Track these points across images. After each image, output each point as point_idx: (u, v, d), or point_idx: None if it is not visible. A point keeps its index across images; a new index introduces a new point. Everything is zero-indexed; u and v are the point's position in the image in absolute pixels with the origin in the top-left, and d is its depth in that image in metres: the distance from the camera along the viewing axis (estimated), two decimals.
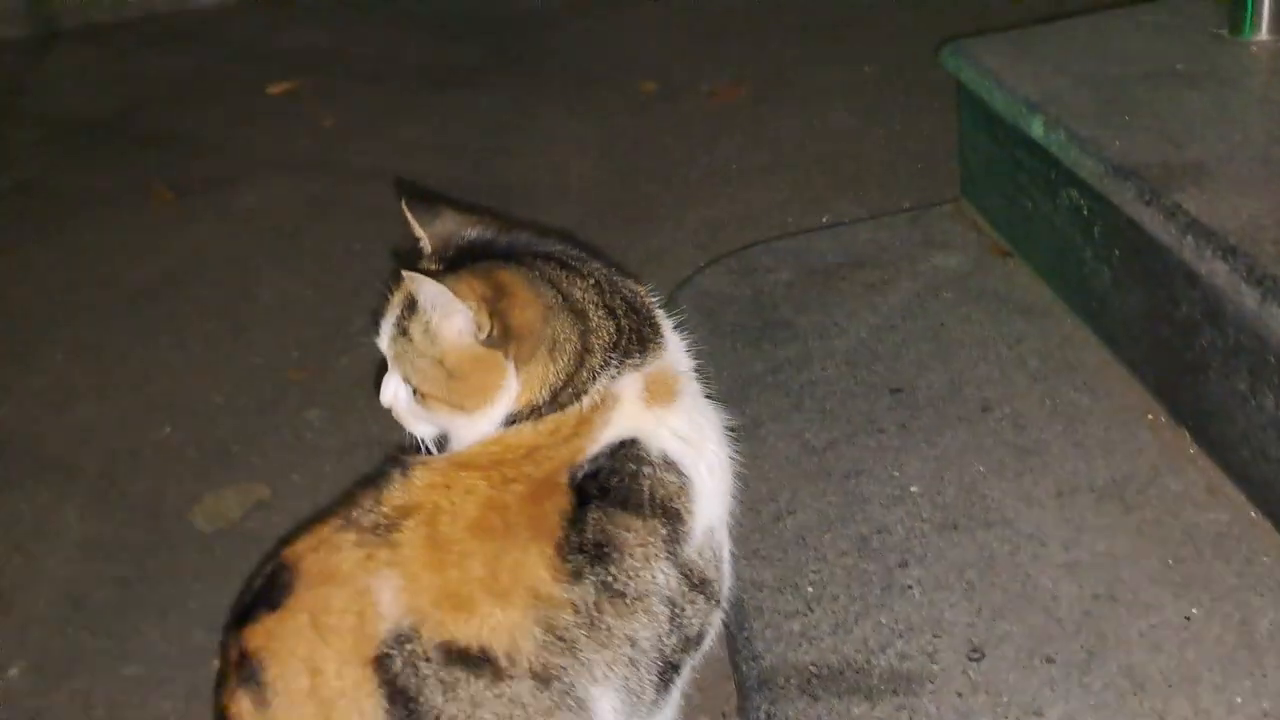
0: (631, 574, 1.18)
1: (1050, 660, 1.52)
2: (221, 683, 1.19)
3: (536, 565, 1.15)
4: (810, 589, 1.69)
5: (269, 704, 1.14)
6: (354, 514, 1.20)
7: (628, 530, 1.19)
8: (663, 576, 1.20)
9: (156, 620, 2.03)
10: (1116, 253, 1.93)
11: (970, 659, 1.54)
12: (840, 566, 1.71)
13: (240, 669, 1.16)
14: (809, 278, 2.37)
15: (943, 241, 2.42)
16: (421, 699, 1.12)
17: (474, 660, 1.13)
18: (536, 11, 4.44)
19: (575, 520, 1.17)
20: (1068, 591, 1.61)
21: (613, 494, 1.19)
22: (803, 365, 2.12)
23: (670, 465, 1.22)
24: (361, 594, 1.14)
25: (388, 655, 1.12)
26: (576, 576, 1.16)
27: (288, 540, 1.25)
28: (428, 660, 1.12)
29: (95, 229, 3.32)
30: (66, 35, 4.75)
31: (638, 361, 1.25)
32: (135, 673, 1.94)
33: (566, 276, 1.28)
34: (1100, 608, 1.58)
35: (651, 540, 1.19)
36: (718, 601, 1.27)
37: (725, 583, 1.29)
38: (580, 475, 1.20)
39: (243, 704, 1.15)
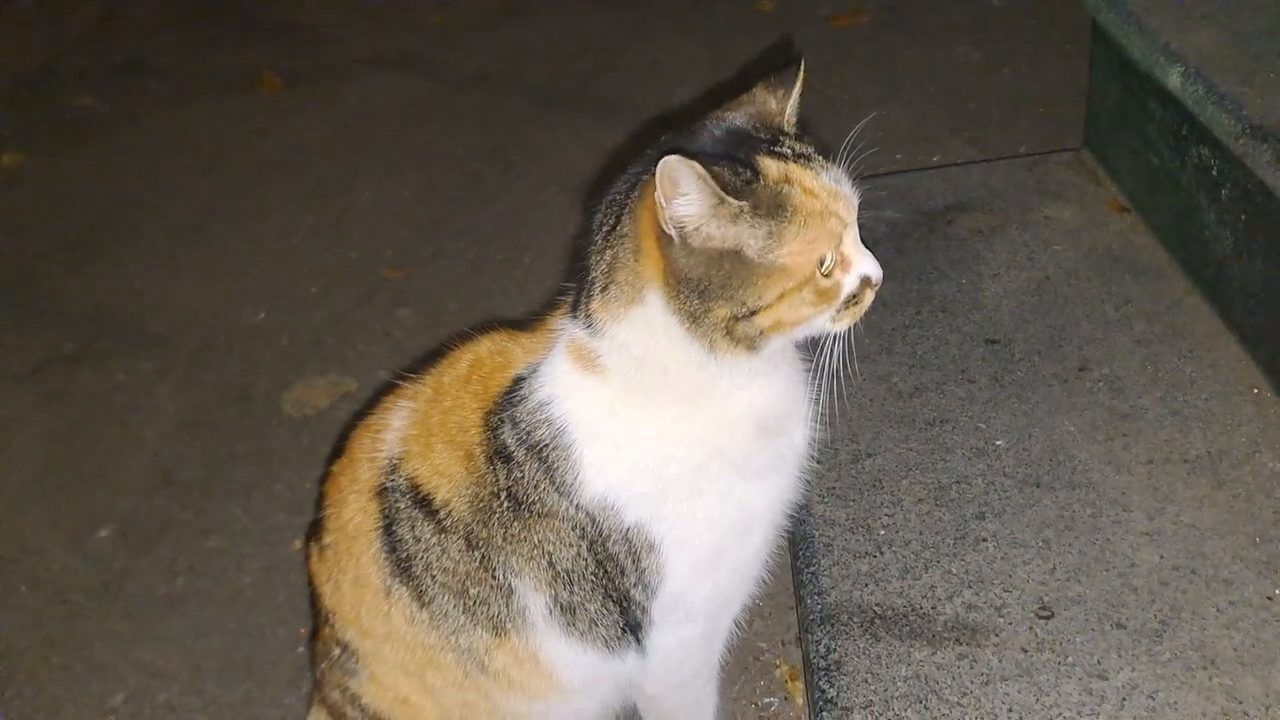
0: (522, 485, 1.21)
1: (1121, 626, 1.49)
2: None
3: (473, 429, 1.25)
4: (882, 532, 1.67)
5: (323, 543, 1.36)
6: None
7: (513, 451, 1.22)
8: (563, 505, 1.21)
9: (241, 498, 2.09)
10: (1242, 218, 1.84)
11: (1039, 616, 1.52)
12: (915, 513, 1.69)
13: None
14: (914, 218, 2.31)
15: (1058, 192, 2.33)
16: (396, 530, 1.27)
17: (423, 502, 1.26)
18: None
19: (494, 411, 1.24)
20: (1146, 559, 1.57)
21: (505, 408, 1.23)
22: (898, 308, 2.07)
23: (547, 420, 1.21)
24: (383, 429, 1.31)
25: (386, 487, 1.28)
26: (489, 460, 1.23)
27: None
28: (401, 493, 1.27)
29: (204, 112, 3.38)
30: None
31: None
32: (217, 545, 2.01)
33: None
34: (1178, 579, 1.54)
35: (532, 469, 1.21)
36: (650, 593, 1.25)
37: (670, 586, 1.24)
38: (519, 374, 1.25)
39: (312, 547, 1.40)
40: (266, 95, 3.44)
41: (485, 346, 1.31)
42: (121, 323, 2.59)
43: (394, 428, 1.31)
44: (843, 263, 1.12)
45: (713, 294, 1.09)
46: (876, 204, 2.37)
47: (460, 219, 2.79)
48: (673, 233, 1.07)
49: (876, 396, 1.90)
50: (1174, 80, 1.91)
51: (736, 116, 1.18)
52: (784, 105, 1.18)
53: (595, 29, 3.60)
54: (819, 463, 1.76)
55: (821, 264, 1.09)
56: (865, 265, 1.13)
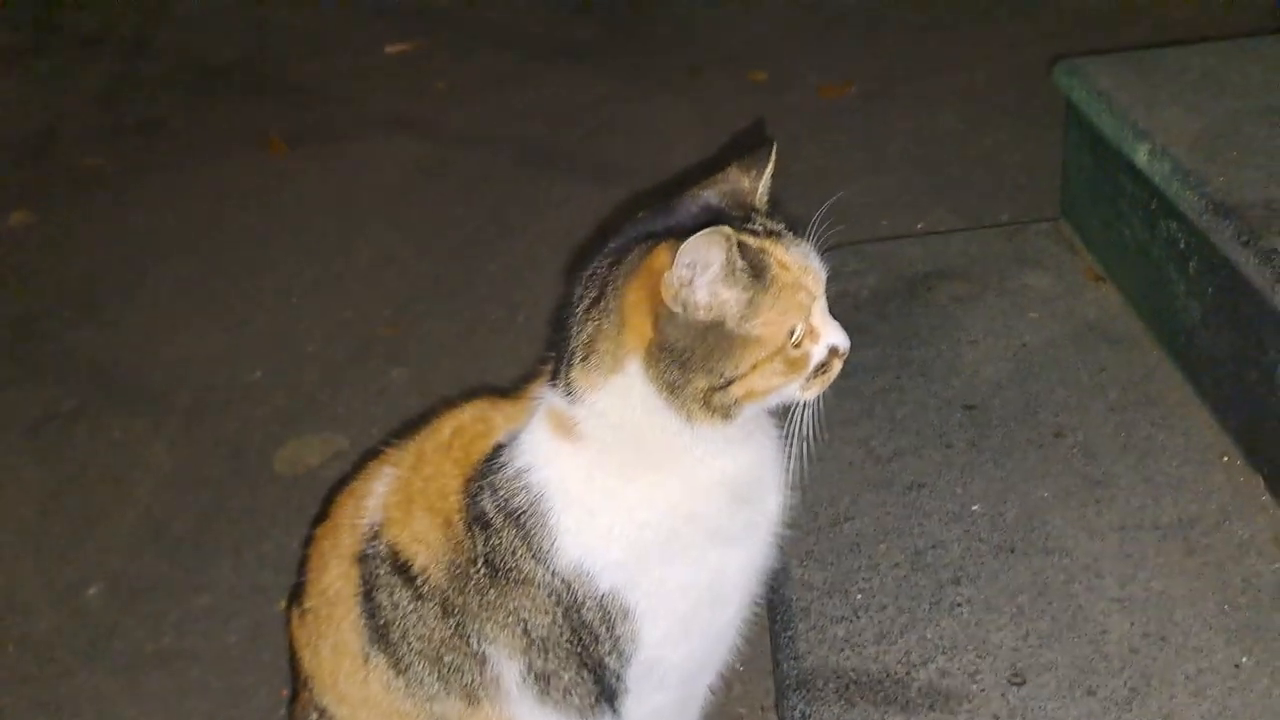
0: (499, 552, 1.24)
1: (1091, 693, 1.52)
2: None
3: (453, 495, 1.28)
4: (859, 596, 1.70)
5: (304, 607, 1.39)
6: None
7: (491, 518, 1.25)
8: (539, 572, 1.23)
9: (230, 556, 2.12)
10: (1209, 290, 1.89)
11: (1011, 683, 1.54)
12: (892, 577, 1.72)
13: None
14: (894, 284, 2.36)
15: (1036, 260, 2.39)
16: (376, 597, 1.30)
17: (402, 568, 1.29)
18: None
19: (474, 478, 1.27)
20: (1118, 626, 1.60)
21: (484, 475, 1.27)
22: (877, 372, 2.12)
23: (525, 487, 1.24)
24: (365, 495, 1.35)
25: (366, 553, 1.31)
26: (467, 527, 1.26)
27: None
28: (380, 559, 1.30)
29: (210, 171, 3.45)
30: None
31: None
32: (205, 603, 2.04)
33: None
34: (1149, 646, 1.57)
35: (510, 536, 1.24)
36: (625, 660, 1.27)
37: (644, 653, 1.27)
38: (499, 442, 1.28)
39: (294, 611, 1.42)
40: (272, 156, 3.52)
41: (468, 414, 1.35)
42: (120, 379, 2.63)
43: (376, 493, 1.35)
44: (811, 333, 1.17)
45: (694, 365, 1.13)
46: (859, 271, 2.43)
47: (456, 278, 2.84)
48: (678, 308, 1.11)
49: (856, 460, 1.93)
50: (1141, 157, 1.97)
51: (710, 195, 1.24)
52: (756, 184, 1.24)
53: (593, 94, 3.68)
54: (798, 526, 1.81)
55: (792, 334, 1.14)
56: (833, 336, 1.18)
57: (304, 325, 2.73)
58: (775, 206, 1.27)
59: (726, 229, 1.07)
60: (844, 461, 1.94)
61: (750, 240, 1.14)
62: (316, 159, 3.48)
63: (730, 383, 1.14)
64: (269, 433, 2.40)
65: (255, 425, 2.43)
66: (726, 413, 1.16)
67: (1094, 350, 2.11)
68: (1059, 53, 2.41)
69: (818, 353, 1.17)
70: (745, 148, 1.28)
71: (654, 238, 1.15)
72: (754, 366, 1.14)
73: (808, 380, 1.19)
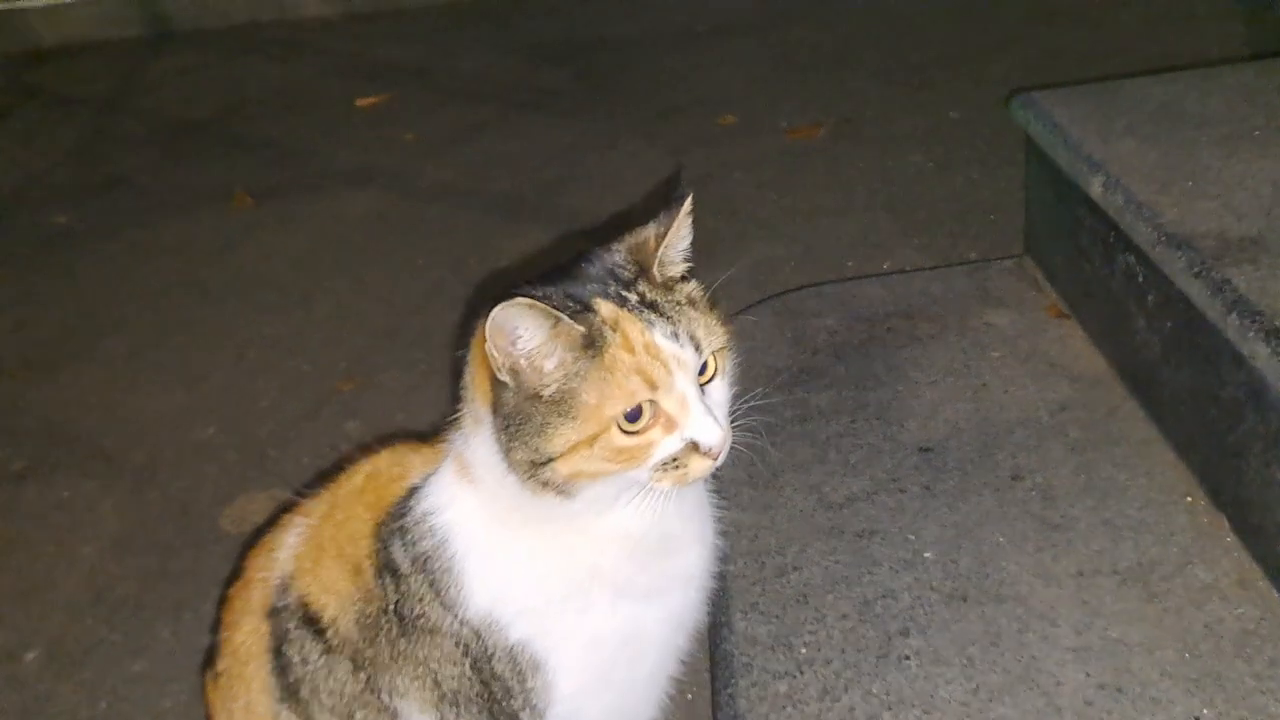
0: (408, 599, 1.19)
1: None
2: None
3: (363, 540, 1.22)
4: (804, 650, 1.63)
5: (217, 669, 1.33)
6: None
7: (400, 563, 1.20)
8: (447, 621, 1.18)
9: (170, 619, 2.06)
10: (1168, 325, 1.83)
11: None
12: (839, 629, 1.65)
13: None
14: (854, 325, 2.30)
15: (999, 298, 2.33)
16: (286, 652, 1.24)
17: (312, 620, 1.23)
18: (628, 40, 4.45)
19: (385, 522, 1.22)
20: (1072, 678, 1.52)
21: (395, 519, 1.22)
22: (832, 415, 2.06)
23: (431, 530, 1.19)
24: (277, 547, 1.29)
25: (276, 607, 1.25)
26: (377, 574, 1.21)
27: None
28: (290, 612, 1.24)
29: (176, 228, 3.43)
30: (176, 38, 4.95)
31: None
32: (142, 669, 1.97)
33: None
34: (1104, 698, 1.49)
35: (418, 582, 1.19)
36: (538, 714, 1.21)
37: (558, 707, 1.20)
38: (414, 485, 1.23)
39: (208, 676, 1.37)
40: (238, 211, 3.49)
41: (385, 458, 1.30)
42: (72, 439, 2.58)
43: (288, 545, 1.29)
44: (667, 423, 1.06)
45: (514, 434, 1.06)
46: (818, 313, 2.37)
47: (416, 329, 2.80)
48: (506, 378, 1.05)
49: (806, 508, 1.87)
50: (1096, 189, 1.93)
51: (616, 252, 1.14)
52: (659, 243, 1.13)
53: (562, 141, 3.66)
54: (743, 577, 1.75)
55: (628, 420, 1.04)
56: (695, 430, 1.06)
57: (260, 381, 2.68)
58: (701, 257, 1.19)
59: (524, 300, 0.99)
60: (794, 509, 1.88)
61: (605, 308, 1.06)
62: (281, 213, 3.45)
63: (549, 460, 1.05)
64: (218, 490, 2.35)
65: (205, 483, 2.38)
66: (560, 489, 1.08)
67: (1055, 389, 2.05)
68: (1031, 88, 2.38)
69: (668, 445, 1.06)
70: (666, 199, 1.17)
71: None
72: (571, 447, 1.04)
73: (654, 472, 1.07)
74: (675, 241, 1.14)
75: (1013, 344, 2.18)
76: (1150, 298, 1.87)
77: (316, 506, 1.31)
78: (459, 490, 1.18)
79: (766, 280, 2.69)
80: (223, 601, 1.39)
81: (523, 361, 1.04)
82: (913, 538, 1.79)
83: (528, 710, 1.20)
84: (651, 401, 1.04)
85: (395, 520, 1.21)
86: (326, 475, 1.36)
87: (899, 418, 2.04)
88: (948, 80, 3.67)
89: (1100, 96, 2.20)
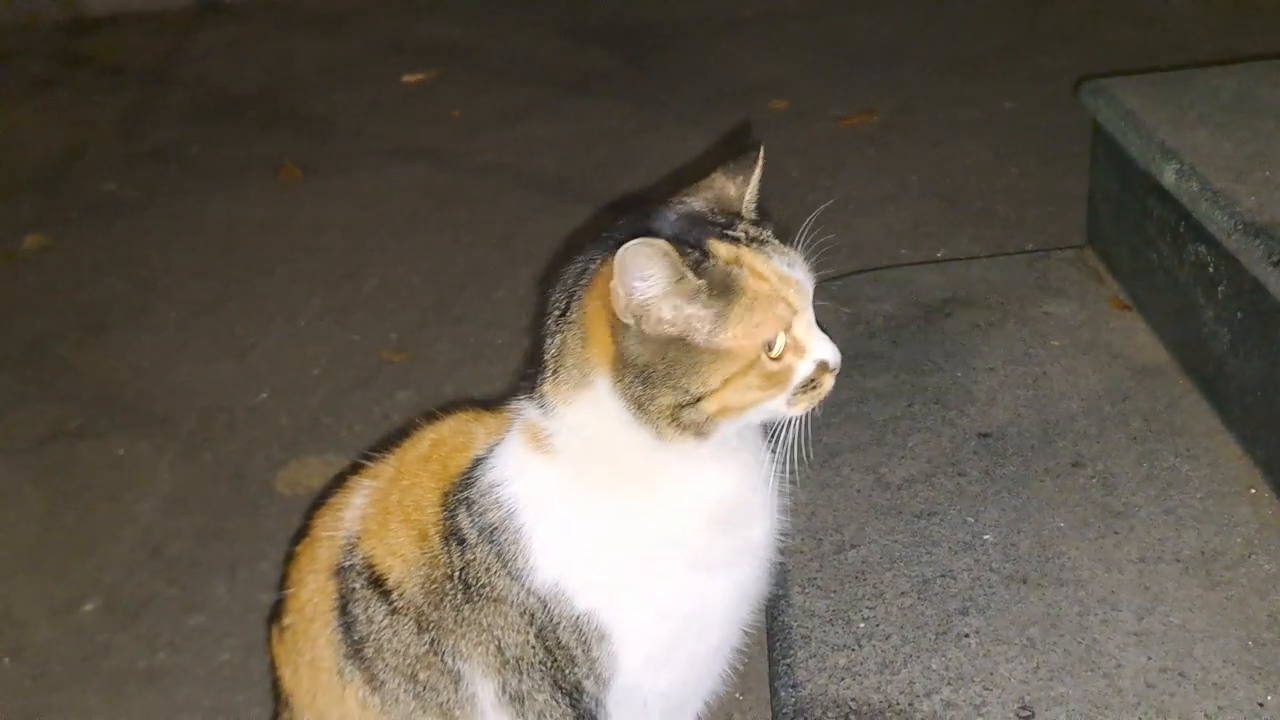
0: (474, 568, 1.20)
1: None
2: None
3: (430, 508, 1.23)
4: (862, 624, 1.63)
5: (283, 624, 1.33)
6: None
7: (466, 533, 1.20)
8: (514, 590, 1.18)
9: (226, 576, 2.08)
10: (1239, 315, 1.82)
11: (1019, 717, 1.46)
12: (897, 606, 1.65)
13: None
14: (911, 310, 2.30)
15: (1059, 288, 2.32)
16: (351, 611, 1.25)
17: (377, 582, 1.23)
18: (676, 23, 4.44)
19: (451, 492, 1.22)
20: (1134, 661, 1.52)
21: (461, 489, 1.22)
22: (890, 399, 2.06)
23: (498, 502, 1.19)
24: (344, 508, 1.29)
25: (343, 567, 1.26)
26: (444, 541, 1.21)
27: None
28: (356, 573, 1.25)
29: (224, 199, 3.45)
30: (223, 10, 4.97)
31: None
32: (198, 622, 1.99)
33: None
34: (1166, 682, 1.49)
35: (484, 552, 1.19)
36: (603, 684, 1.22)
37: (623, 679, 1.21)
38: (478, 455, 1.23)
39: (274, 630, 1.36)
40: (285, 183, 3.51)
41: (449, 426, 1.31)
42: (126, 401, 2.60)
43: (354, 506, 1.30)
44: (796, 347, 1.11)
45: (657, 380, 1.08)
46: (875, 297, 2.37)
47: (463, 304, 2.81)
48: (629, 320, 1.07)
49: (864, 487, 1.87)
50: (1169, 178, 1.91)
51: (695, 201, 1.19)
52: (743, 191, 1.19)
53: (610, 124, 3.66)
54: (800, 552, 1.75)
55: (770, 348, 1.08)
56: (821, 350, 1.12)
57: (311, 350, 2.70)
58: (763, 215, 1.22)
59: (657, 240, 1.02)
60: (851, 489, 1.88)
61: (722, 248, 1.09)
62: (328, 187, 3.47)
63: (700, 399, 1.09)
64: (271, 454, 2.37)
65: (258, 447, 2.40)
66: (699, 430, 1.11)
67: (1117, 379, 2.04)
68: (1089, 78, 2.36)
69: (803, 368, 1.12)
70: (733, 154, 1.23)
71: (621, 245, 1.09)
72: (725, 381, 1.08)
73: (793, 396, 1.13)
74: (755, 188, 1.19)
75: (1074, 334, 2.17)
76: (1221, 288, 1.86)
77: (382, 470, 1.32)
78: (529, 461, 1.19)
79: (819, 264, 2.68)
80: (289, 558, 1.40)
81: (663, 308, 1.05)
82: (972, 520, 1.78)
83: (592, 680, 1.21)
84: (787, 328, 1.08)
85: (461, 490, 1.22)
86: (388, 441, 1.38)
87: (958, 403, 2.03)
88: (1003, 71, 3.65)
89: (1172, 85, 2.18)
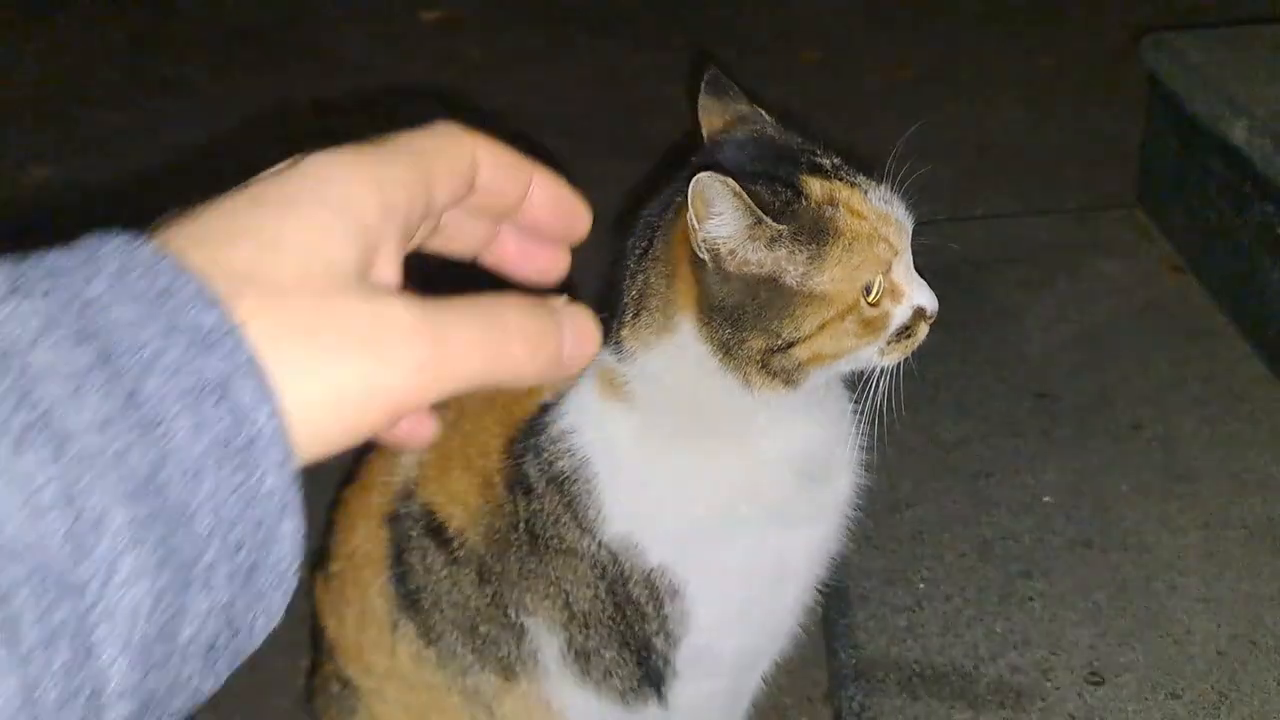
0: (541, 519, 1.13)
1: (1175, 696, 1.40)
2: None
3: (494, 455, 1.16)
4: (922, 585, 1.58)
5: (329, 571, 1.26)
6: None
7: (534, 482, 1.14)
8: (584, 542, 1.12)
9: None
10: None
11: (1089, 682, 1.42)
12: (958, 567, 1.60)
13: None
14: (958, 267, 2.23)
15: (1109, 247, 2.26)
16: (406, 559, 1.18)
17: (436, 530, 1.17)
18: None
19: (517, 438, 1.15)
20: (1203, 628, 1.48)
21: (529, 436, 1.15)
22: (942, 357, 2.00)
23: (570, 450, 1.12)
24: (400, 454, 1.21)
25: (398, 513, 1.19)
26: (508, 490, 1.14)
27: None
28: (413, 520, 1.18)
29: (233, 134, 3.34)
30: None
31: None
32: None
33: None
34: (1237, 649, 1.45)
35: (553, 502, 1.13)
36: (673, 642, 1.15)
37: (694, 637, 1.15)
38: (545, 401, 1.16)
39: (317, 576, 1.29)
40: (293, 118, 3.41)
41: None
42: None
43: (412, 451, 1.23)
44: (893, 292, 1.03)
45: (747, 324, 1.00)
46: (916, 251, 2.30)
47: None
48: (705, 256, 0.99)
49: (918, 446, 1.81)
50: (1239, 134, 1.85)
51: (767, 130, 1.10)
52: (751, 108, 1.10)
53: (635, 70, 3.57)
54: (858, 509, 1.69)
55: (868, 292, 1.01)
56: (919, 296, 1.05)
57: None
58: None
59: (726, 179, 0.93)
60: (904, 447, 1.81)
61: (815, 185, 1.01)
62: (341, 123, 3.37)
63: (792, 344, 1.00)
64: None
65: None
66: (789, 378, 1.03)
67: (1174, 342, 1.99)
68: (1133, 35, 2.29)
69: (900, 314, 1.04)
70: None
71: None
72: (821, 327, 1.00)
73: (888, 344, 1.05)
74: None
75: (1127, 294, 2.12)
76: None
77: (442, 414, 1.25)
78: (603, 409, 1.11)
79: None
80: (335, 504, 1.33)
81: (740, 246, 0.97)
82: (1031, 481, 1.73)
83: (661, 637, 1.15)
84: (886, 271, 1.01)
85: (529, 437, 1.14)
86: None
87: (1011, 362, 1.98)
88: (1045, 29, 3.57)
89: (1237, 40, 2.12)
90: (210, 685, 0.42)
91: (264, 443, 0.40)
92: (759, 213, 0.95)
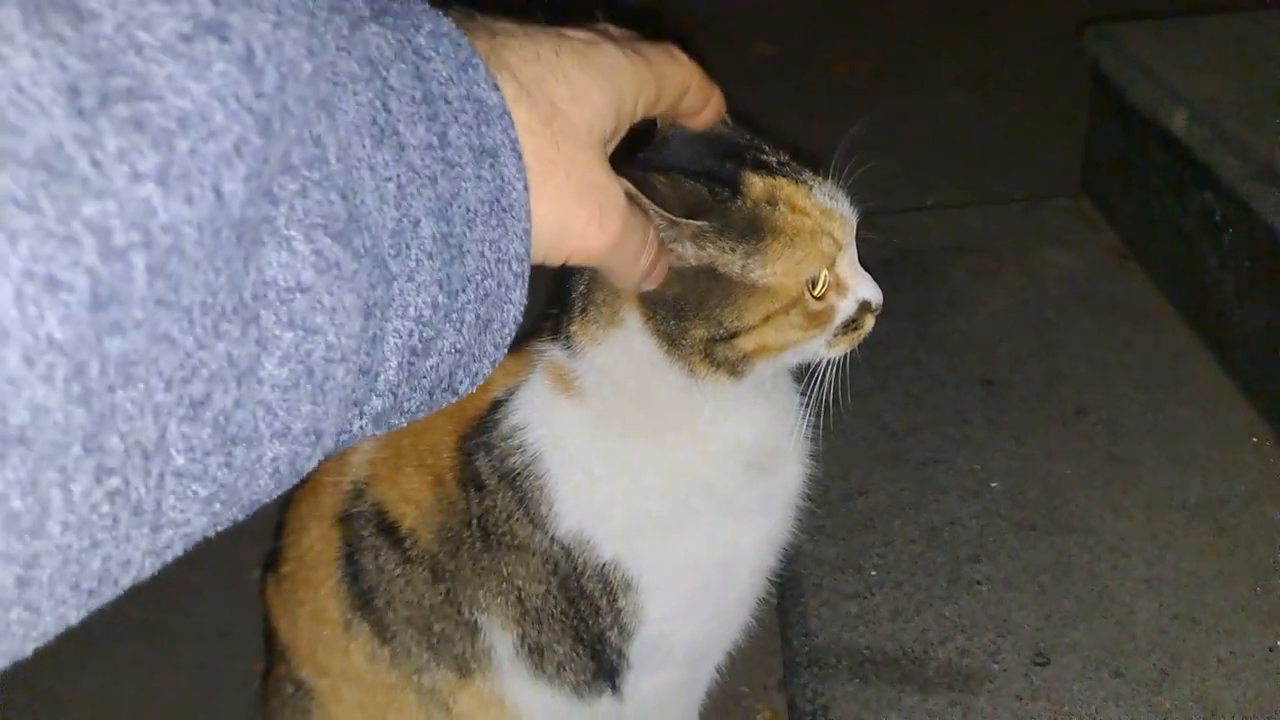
0: (493, 515, 1.14)
1: (1119, 675, 1.43)
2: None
3: (446, 453, 1.17)
4: (873, 572, 1.61)
5: (281, 573, 1.26)
6: None
7: (485, 479, 1.15)
8: (536, 538, 1.13)
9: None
10: (1246, 264, 1.81)
11: (1034, 663, 1.45)
12: (907, 553, 1.63)
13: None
14: (908, 258, 2.27)
15: (1056, 237, 2.30)
16: (359, 560, 1.19)
17: (389, 529, 1.18)
18: None
19: (470, 435, 1.16)
20: (1145, 607, 1.51)
21: (480, 433, 1.16)
22: (892, 346, 2.03)
23: (521, 446, 1.13)
24: (350, 452, 1.22)
25: (349, 513, 1.19)
26: (461, 487, 1.15)
27: None
28: (365, 519, 1.18)
29: None
30: None
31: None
32: (177, 572, 1.91)
33: None
34: (1178, 628, 1.48)
35: (505, 498, 1.14)
36: (627, 635, 1.17)
37: (648, 629, 1.16)
38: (497, 398, 1.16)
39: (269, 578, 1.29)
40: None
41: None
42: None
43: (362, 450, 1.24)
44: (838, 286, 1.03)
45: (689, 313, 1.00)
46: (869, 241, 2.32)
47: None
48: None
49: (868, 435, 1.84)
50: (1179, 123, 1.89)
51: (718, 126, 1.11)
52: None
53: None
54: (809, 500, 1.72)
55: (813, 285, 1.03)
56: (864, 289, 1.05)
57: None
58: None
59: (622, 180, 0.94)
60: (855, 436, 1.85)
61: (757, 182, 0.99)
62: None
63: (735, 334, 1.01)
64: None
65: None
66: (734, 369, 1.03)
67: (1118, 328, 2.02)
68: (1079, 31, 2.33)
69: (845, 307, 1.04)
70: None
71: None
72: (766, 319, 1.00)
73: (834, 336, 1.06)
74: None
75: (1073, 282, 2.15)
76: (1227, 236, 1.84)
77: None
78: (555, 404, 1.12)
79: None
80: (287, 505, 1.34)
81: (680, 245, 0.97)
82: (978, 467, 1.77)
83: (615, 630, 1.17)
84: (830, 265, 1.02)
85: (480, 434, 1.15)
86: None
87: (960, 350, 2.01)
88: (993, 21, 3.61)
89: (1178, 31, 2.16)
90: (405, 421, 0.53)
91: (518, 211, 0.49)
92: (664, 213, 0.93)
